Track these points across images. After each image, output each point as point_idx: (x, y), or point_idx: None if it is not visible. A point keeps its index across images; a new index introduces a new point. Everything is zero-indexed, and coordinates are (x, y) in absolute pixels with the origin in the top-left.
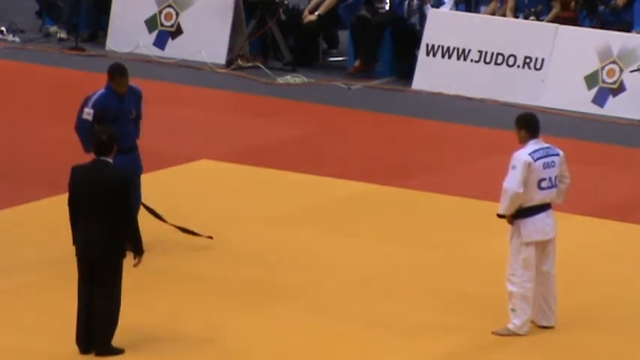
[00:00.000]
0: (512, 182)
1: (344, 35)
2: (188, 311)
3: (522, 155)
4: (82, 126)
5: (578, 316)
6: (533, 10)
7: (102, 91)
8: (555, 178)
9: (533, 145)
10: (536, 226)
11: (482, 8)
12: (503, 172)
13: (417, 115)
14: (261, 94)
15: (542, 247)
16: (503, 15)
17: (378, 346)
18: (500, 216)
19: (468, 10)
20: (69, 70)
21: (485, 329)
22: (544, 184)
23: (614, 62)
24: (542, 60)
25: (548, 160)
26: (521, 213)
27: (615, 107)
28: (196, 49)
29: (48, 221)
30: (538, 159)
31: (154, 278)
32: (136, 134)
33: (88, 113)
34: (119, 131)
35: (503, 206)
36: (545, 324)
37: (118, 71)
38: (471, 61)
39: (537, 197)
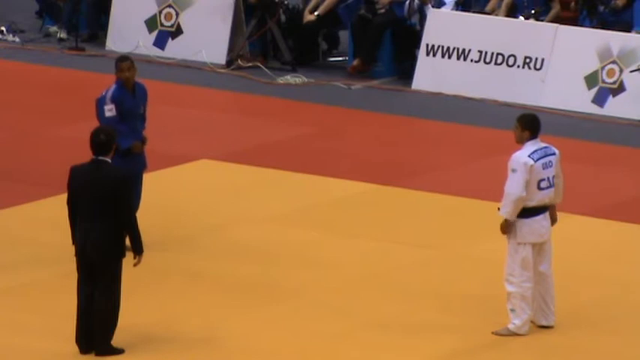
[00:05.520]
0: (514, 186)
1: (344, 35)
2: (188, 311)
3: (522, 157)
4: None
5: (578, 316)
6: (532, 12)
7: (113, 87)
8: (553, 177)
9: (531, 147)
10: (532, 228)
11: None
12: (503, 172)
13: (417, 115)
14: (261, 94)
15: (539, 247)
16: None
17: (377, 346)
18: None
19: (468, 9)
20: (69, 70)
21: (485, 329)
22: (543, 184)
23: (614, 62)
24: (542, 60)
25: (547, 160)
26: (520, 213)
27: (615, 107)
28: (196, 49)
29: (48, 221)
30: (538, 159)
31: (154, 278)
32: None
33: (110, 109)
34: (130, 127)
35: (507, 211)
36: (544, 323)
37: (119, 58)
38: (471, 61)
39: (537, 198)
